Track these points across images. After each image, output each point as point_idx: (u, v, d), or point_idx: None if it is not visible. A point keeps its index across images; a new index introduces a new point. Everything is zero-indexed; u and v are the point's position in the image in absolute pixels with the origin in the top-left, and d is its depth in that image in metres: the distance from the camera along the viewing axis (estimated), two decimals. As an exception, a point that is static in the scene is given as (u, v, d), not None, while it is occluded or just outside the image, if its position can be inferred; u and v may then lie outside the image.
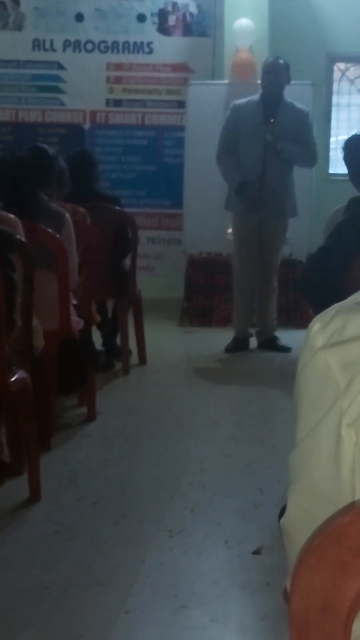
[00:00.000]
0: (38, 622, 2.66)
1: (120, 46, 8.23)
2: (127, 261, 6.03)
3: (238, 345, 6.68)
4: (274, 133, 6.43)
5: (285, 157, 6.48)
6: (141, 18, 8.19)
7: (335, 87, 8.69)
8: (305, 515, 1.06)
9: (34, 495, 3.62)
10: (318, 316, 1.10)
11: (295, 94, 6.92)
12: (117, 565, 3.04)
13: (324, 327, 1.08)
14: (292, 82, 6.71)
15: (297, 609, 0.89)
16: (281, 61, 6.59)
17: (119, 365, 5.95)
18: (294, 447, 1.09)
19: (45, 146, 5.01)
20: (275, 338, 6.67)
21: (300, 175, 7.04)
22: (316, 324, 1.09)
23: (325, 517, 0.96)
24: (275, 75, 6.51)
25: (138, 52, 8.23)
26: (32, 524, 3.42)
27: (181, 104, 8.04)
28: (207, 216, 7.66)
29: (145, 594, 2.84)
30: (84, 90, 8.29)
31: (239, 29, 7.81)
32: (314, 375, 1.07)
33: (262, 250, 6.68)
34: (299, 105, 6.60)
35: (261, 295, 6.76)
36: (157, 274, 8.19)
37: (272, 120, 6.46)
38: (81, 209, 5.14)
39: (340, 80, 8.70)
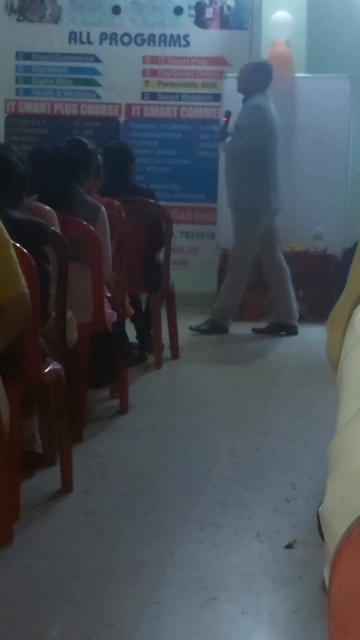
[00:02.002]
0: (68, 612, 2.67)
1: (157, 39, 8.22)
2: (161, 255, 6.03)
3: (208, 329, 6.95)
4: (222, 130, 6.90)
5: (227, 152, 6.87)
6: (178, 11, 8.17)
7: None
8: (343, 504, 1.04)
9: (66, 487, 3.63)
10: None
11: (333, 88, 6.92)
12: (147, 556, 3.04)
13: None
14: (330, 75, 6.76)
15: (336, 600, 0.88)
16: (251, 63, 7.08)
17: (151, 359, 5.95)
18: (335, 434, 1.08)
19: (85, 140, 5.02)
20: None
21: (335, 170, 7.01)
22: None
23: (363, 506, 0.95)
24: (238, 75, 6.97)
25: (174, 45, 8.21)
26: (63, 514, 3.43)
27: (217, 97, 8.02)
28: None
29: (175, 585, 2.83)
30: (120, 83, 8.30)
31: (276, 21, 7.78)
32: (357, 361, 1.05)
33: None
34: (251, 102, 6.80)
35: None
36: (190, 268, 8.18)
37: (224, 119, 6.91)
38: (116, 203, 5.14)
39: (378, 74, 8.63)
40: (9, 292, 2.89)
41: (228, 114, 6.91)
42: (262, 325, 7.10)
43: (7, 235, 2.93)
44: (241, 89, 6.89)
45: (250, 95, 6.80)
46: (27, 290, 2.95)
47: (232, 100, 7.73)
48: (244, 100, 6.86)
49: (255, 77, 6.86)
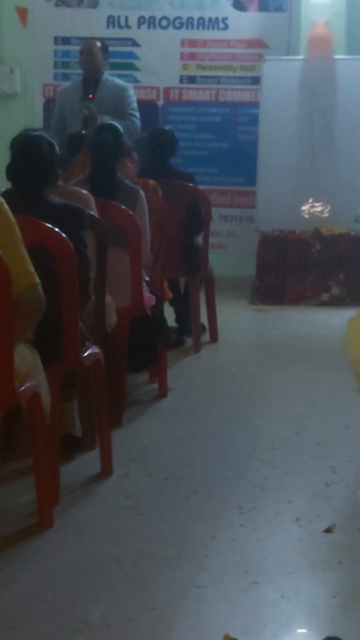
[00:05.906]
0: (110, 595, 2.68)
1: (195, 22, 8.17)
2: (200, 239, 6.01)
3: None
4: (91, 108, 6.71)
5: None
6: (216, -7, 8.12)
7: None
8: None
9: (106, 470, 3.65)
10: None
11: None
12: (188, 540, 3.05)
13: None
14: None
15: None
16: (97, 42, 7.00)
17: (189, 342, 5.95)
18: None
19: (113, 122, 5.01)
20: None
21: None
22: None
23: None
24: (89, 54, 6.96)
25: (213, 28, 8.16)
26: (104, 498, 3.45)
27: (256, 80, 7.97)
28: (281, 193, 7.61)
29: (216, 569, 2.84)
30: (158, 67, 8.26)
31: (315, 2, 7.72)
32: None
33: None
34: (119, 81, 6.91)
35: None
36: (229, 252, 8.15)
37: (90, 96, 6.83)
38: (151, 182, 5.08)
39: None
40: (22, 282, 2.93)
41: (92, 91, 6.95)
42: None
43: (18, 232, 2.95)
44: (95, 69, 6.94)
45: (101, 75, 6.89)
46: (38, 281, 2.97)
47: (272, 82, 7.68)
48: (99, 78, 6.90)
49: (105, 56, 6.97)
